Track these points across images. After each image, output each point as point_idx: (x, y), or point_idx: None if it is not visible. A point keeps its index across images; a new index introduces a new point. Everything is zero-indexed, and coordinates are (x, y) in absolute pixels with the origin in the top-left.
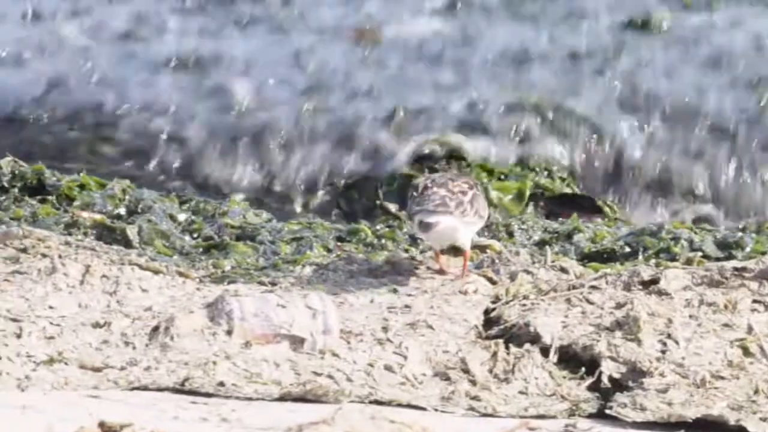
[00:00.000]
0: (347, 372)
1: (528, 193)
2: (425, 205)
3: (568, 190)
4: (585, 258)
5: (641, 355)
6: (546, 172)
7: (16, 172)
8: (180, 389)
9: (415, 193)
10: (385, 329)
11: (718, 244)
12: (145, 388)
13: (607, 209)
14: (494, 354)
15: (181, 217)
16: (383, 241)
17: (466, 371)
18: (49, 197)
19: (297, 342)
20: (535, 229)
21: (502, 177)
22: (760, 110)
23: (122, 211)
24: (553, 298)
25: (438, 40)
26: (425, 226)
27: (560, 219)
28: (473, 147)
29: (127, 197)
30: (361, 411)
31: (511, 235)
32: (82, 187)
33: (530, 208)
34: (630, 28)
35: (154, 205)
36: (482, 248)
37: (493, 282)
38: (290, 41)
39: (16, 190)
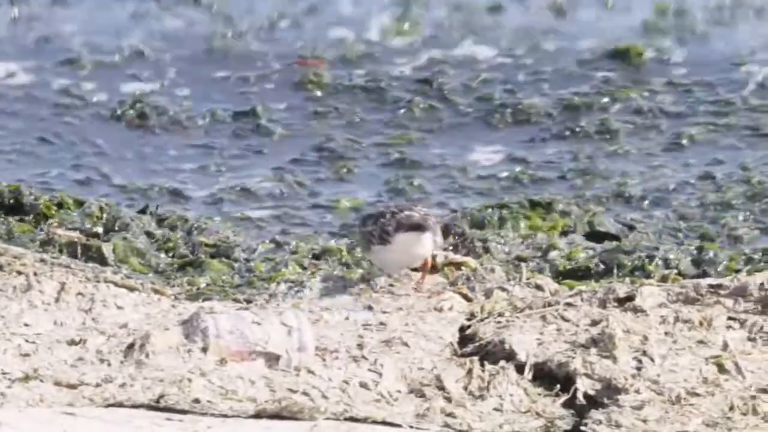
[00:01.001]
0: (322, 389)
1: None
2: (409, 220)
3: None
4: (560, 275)
5: (616, 372)
6: None
7: None
8: (155, 406)
9: (382, 219)
10: (360, 346)
11: (693, 261)
12: (120, 405)
13: None
14: (469, 371)
15: (159, 233)
16: (359, 260)
17: (441, 388)
18: (27, 217)
19: (272, 359)
20: (513, 244)
21: None
22: None
23: (99, 229)
24: (529, 315)
25: None
26: (416, 227)
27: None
28: None
29: (104, 215)
30: (336, 428)
31: (487, 250)
32: (59, 205)
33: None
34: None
35: (132, 223)
36: (457, 265)
37: (468, 299)
38: None
39: None
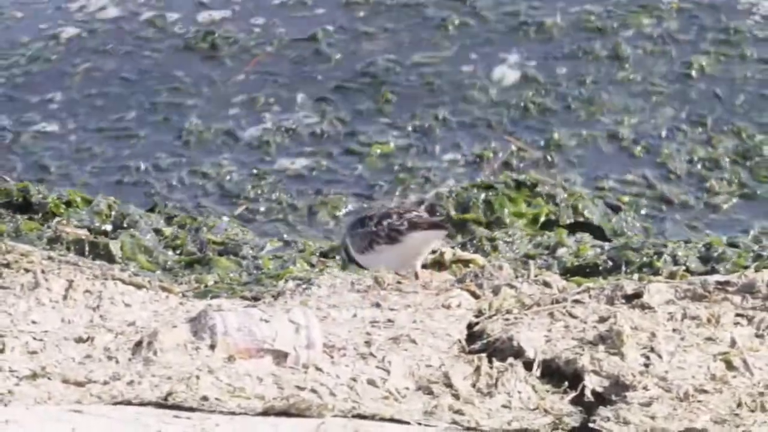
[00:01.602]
0: (330, 386)
1: (542, 219)
2: (424, 219)
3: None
4: (568, 272)
5: (624, 369)
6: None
7: (1, 189)
8: (163, 404)
9: (389, 220)
10: (368, 343)
11: (701, 258)
12: (128, 403)
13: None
14: (477, 368)
15: (167, 231)
16: None
17: (449, 385)
18: (35, 216)
19: (280, 356)
20: (522, 242)
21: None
22: None
23: (108, 227)
24: (537, 312)
25: None
26: (435, 226)
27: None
28: None
29: (113, 213)
30: (344, 425)
31: (495, 248)
32: (68, 204)
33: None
34: None
35: (140, 220)
36: (465, 262)
37: (476, 296)
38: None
39: (0, 208)
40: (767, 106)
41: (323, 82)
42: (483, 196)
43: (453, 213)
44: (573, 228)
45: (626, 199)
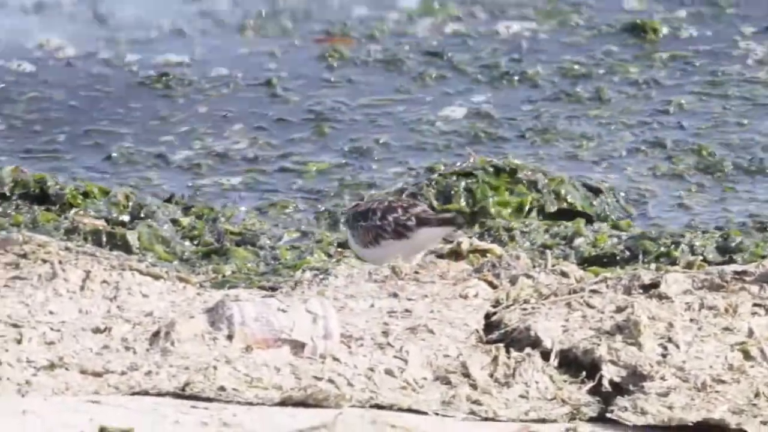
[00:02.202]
0: (348, 376)
1: (527, 207)
2: (436, 215)
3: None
4: (585, 262)
5: (642, 359)
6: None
7: (18, 180)
8: (181, 394)
9: (394, 215)
10: (385, 333)
11: (719, 248)
12: (145, 393)
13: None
14: (495, 358)
15: (185, 221)
16: None
17: (467, 375)
18: (53, 207)
19: (298, 346)
20: (538, 232)
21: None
22: None
23: (126, 218)
24: (554, 302)
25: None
26: (446, 222)
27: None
28: None
29: (130, 204)
30: (362, 415)
31: (512, 239)
32: (85, 195)
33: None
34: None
35: (158, 211)
36: (483, 252)
37: (493, 286)
38: None
39: (18, 199)
40: (750, 144)
41: (266, 117)
42: (463, 183)
43: (435, 203)
44: (559, 215)
45: (605, 184)
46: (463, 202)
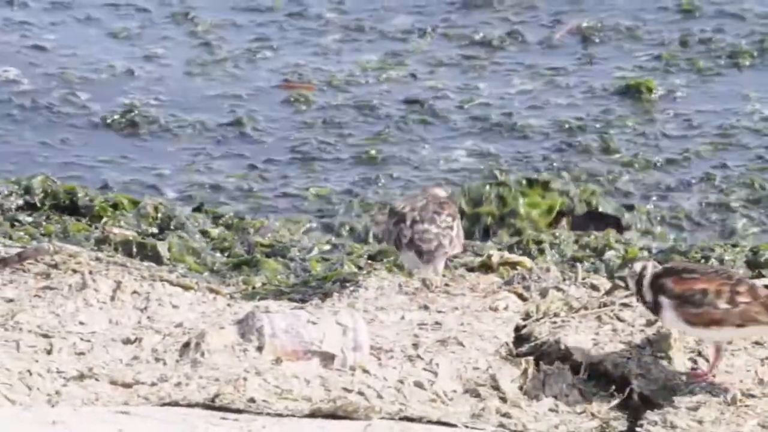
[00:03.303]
0: (377, 388)
1: (557, 209)
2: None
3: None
4: (615, 275)
5: (672, 373)
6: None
7: (49, 190)
8: (210, 405)
9: (402, 224)
10: (415, 346)
11: (748, 262)
12: (175, 404)
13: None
14: (525, 371)
15: (215, 232)
16: None
17: (497, 388)
18: (82, 219)
19: (327, 358)
20: (568, 244)
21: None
22: None
23: (155, 229)
24: (584, 315)
25: None
26: (420, 254)
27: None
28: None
29: (159, 215)
30: (391, 428)
31: (542, 251)
32: (115, 206)
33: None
34: None
35: (187, 222)
36: (513, 264)
37: (523, 299)
38: None
39: (48, 210)
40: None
41: (247, 156)
42: (496, 191)
43: (465, 207)
44: (588, 219)
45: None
46: (493, 207)
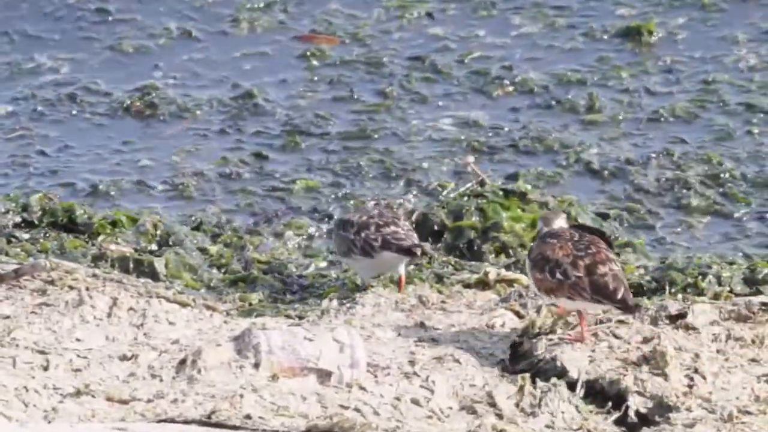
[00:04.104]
0: (374, 405)
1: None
2: (398, 242)
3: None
4: None
5: (668, 390)
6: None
7: (47, 208)
8: (207, 422)
9: (366, 231)
10: (412, 363)
11: (746, 279)
12: (171, 421)
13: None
14: (521, 388)
15: (213, 249)
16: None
17: (493, 405)
18: (81, 236)
19: (324, 375)
20: None
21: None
22: None
23: (153, 246)
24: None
25: None
26: (404, 251)
27: None
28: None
29: (158, 231)
30: None
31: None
32: (113, 224)
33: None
34: None
35: (185, 239)
36: (510, 282)
37: (520, 316)
38: None
39: (46, 227)
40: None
41: (252, 134)
42: (474, 204)
43: (446, 221)
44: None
45: (611, 212)
46: (475, 220)
